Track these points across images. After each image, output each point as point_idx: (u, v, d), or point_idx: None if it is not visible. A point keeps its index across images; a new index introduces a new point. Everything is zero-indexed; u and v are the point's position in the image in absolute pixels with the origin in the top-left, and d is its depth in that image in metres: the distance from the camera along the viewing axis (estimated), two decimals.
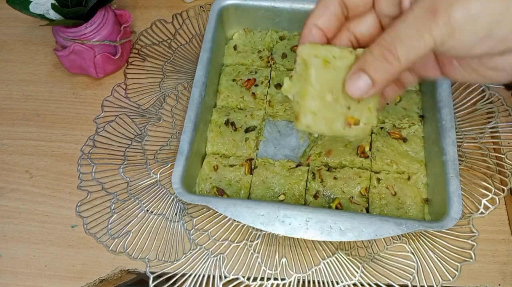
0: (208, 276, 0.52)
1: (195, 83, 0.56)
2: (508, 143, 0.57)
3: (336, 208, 0.53)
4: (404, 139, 0.57)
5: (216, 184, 0.55)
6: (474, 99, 0.60)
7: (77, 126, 0.63)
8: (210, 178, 0.56)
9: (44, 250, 0.55)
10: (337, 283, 0.51)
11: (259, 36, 0.66)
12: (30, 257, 0.55)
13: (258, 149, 0.59)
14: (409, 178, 0.54)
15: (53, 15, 0.58)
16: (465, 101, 0.60)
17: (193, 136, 0.53)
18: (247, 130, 0.58)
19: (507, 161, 0.55)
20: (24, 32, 0.71)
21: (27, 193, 0.58)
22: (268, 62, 0.64)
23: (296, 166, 0.56)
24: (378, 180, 0.54)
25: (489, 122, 0.58)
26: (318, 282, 0.51)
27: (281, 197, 0.54)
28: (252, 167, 0.56)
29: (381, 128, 0.58)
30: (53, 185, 0.59)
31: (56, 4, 0.57)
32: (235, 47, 0.65)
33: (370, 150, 0.56)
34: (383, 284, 0.51)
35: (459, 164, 0.55)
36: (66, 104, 0.64)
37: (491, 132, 0.58)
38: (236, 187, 0.55)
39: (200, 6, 0.70)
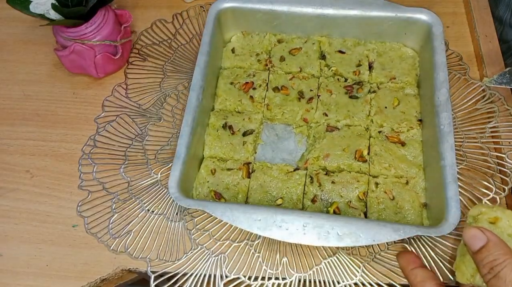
0: (209, 276, 0.52)
1: (192, 86, 0.56)
2: (509, 143, 0.57)
3: (334, 212, 0.53)
4: (403, 143, 0.57)
5: (213, 188, 0.55)
6: (475, 99, 0.60)
7: (77, 126, 0.63)
8: (208, 181, 0.55)
9: (45, 250, 0.55)
10: (338, 283, 0.51)
11: (257, 39, 0.65)
12: (31, 257, 0.54)
13: (256, 153, 0.59)
14: (407, 183, 0.54)
15: (53, 15, 0.58)
16: (465, 101, 0.60)
17: (190, 140, 0.53)
18: (244, 134, 0.58)
19: (508, 160, 0.55)
20: (24, 32, 0.71)
21: (27, 193, 0.58)
22: (266, 65, 0.64)
23: (294, 170, 0.56)
24: (376, 184, 0.54)
25: (489, 122, 0.58)
26: (319, 282, 0.51)
27: (279, 201, 0.54)
28: (250, 170, 0.56)
29: (379, 132, 0.58)
30: (53, 184, 0.59)
31: (57, 4, 0.57)
32: (233, 50, 0.65)
33: (368, 154, 0.56)
34: (384, 283, 0.51)
35: (460, 163, 0.55)
36: (66, 104, 0.64)
37: (492, 132, 0.58)
38: (233, 191, 0.55)
39: (200, 6, 0.70)
